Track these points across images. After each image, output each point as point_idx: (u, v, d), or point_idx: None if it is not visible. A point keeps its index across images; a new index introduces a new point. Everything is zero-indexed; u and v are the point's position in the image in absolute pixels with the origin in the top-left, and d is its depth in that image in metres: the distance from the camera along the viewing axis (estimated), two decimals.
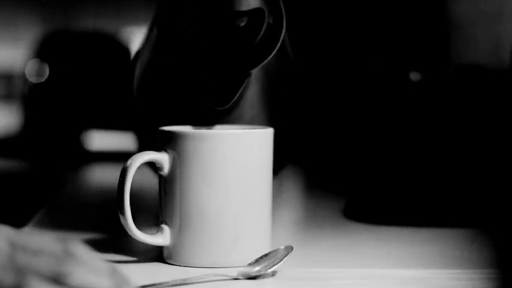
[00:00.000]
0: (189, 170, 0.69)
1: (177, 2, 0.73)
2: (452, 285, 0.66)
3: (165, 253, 0.71)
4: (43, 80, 1.66)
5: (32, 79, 1.67)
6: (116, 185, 0.69)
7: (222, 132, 0.71)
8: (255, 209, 0.70)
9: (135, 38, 1.71)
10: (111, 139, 1.55)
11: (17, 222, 0.93)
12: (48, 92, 1.65)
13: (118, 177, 0.69)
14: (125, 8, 2.20)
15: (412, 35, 1.30)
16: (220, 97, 0.73)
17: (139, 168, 0.69)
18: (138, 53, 0.89)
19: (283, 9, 0.72)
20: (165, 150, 0.70)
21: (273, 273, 0.67)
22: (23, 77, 1.71)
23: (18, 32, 2.26)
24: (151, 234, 0.71)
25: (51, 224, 0.91)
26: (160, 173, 0.71)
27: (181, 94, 0.79)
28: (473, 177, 0.98)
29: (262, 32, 0.71)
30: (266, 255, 0.68)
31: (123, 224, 0.69)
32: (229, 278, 0.66)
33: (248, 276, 0.66)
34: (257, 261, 0.68)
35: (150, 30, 0.84)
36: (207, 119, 0.75)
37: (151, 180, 0.84)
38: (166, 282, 0.63)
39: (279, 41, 0.72)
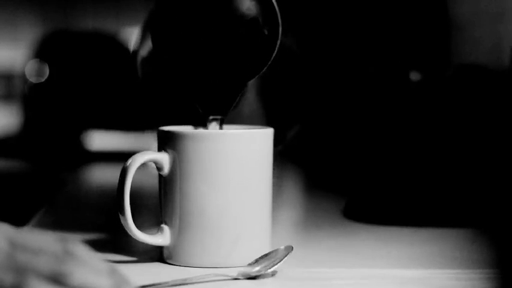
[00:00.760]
0: (189, 170, 0.69)
1: (171, 12, 0.73)
2: (452, 285, 0.66)
3: (165, 253, 0.71)
4: (43, 80, 1.66)
5: (32, 79, 1.67)
6: (116, 185, 0.69)
7: (222, 132, 0.71)
8: (255, 209, 0.70)
9: (135, 38, 1.71)
10: (111, 139, 1.55)
11: (17, 222, 0.93)
12: (48, 92, 1.65)
13: (118, 177, 0.69)
14: (125, 8, 2.20)
15: (412, 35, 1.30)
16: (217, 107, 0.73)
17: (139, 168, 0.69)
18: (135, 53, 0.89)
19: (279, 20, 0.72)
20: (165, 150, 0.70)
21: (273, 273, 0.67)
22: (23, 77, 1.71)
23: (18, 32, 2.26)
24: (151, 234, 0.71)
25: (51, 224, 0.91)
26: (160, 173, 0.71)
27: (179, 100, 0.79)
28: (473, 177, 0.98)
29: (256, 43, 0.71)
30: (266, 255, 0.68)
31: (123, 224, 0.69)
32: (229, 278, 0.66)
33: (248, 276, 0.66)
34: (257, 261, 0.68)
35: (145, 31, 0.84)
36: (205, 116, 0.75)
37: (151, 180, 0.84)
38: (166, 282, 0.63)
39: (273, 52, 0.72)
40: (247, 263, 0.68)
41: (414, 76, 1.14)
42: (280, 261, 0.67)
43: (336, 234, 0.86)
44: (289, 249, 0.68)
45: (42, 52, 1.68)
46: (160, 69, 0.82)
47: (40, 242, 0.56)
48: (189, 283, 0.64)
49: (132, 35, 1.73)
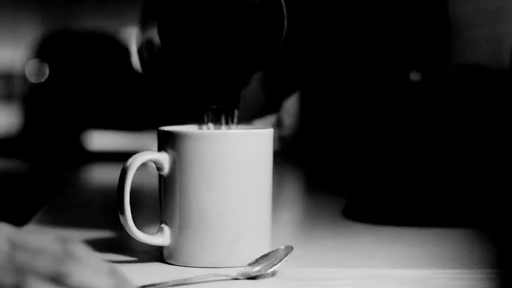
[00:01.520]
0: (189, 170, 0.69)
1: (176, 7, 0.73)
2: (452, 285, 0.66)
3: (165, 253, 0.71)
4: (43, 80, 1.66)
5: (32, 79, 1.67)
6: (116, 185, 0.69)
7: (222, 132, 0.71)
8: (255, 209, 0.70)
9: (135, 38, 1.71)
10: (111, 139, 1.55)
11: (18, 222, 0.93)
12: (48, 92, 1.65)
13: (118, 177, 0.69)
14: (125, 8, 2.20)
15: (412, 35, 1.30)
16: (222, 100, 0.73)
17: (139, 168, 0.69)
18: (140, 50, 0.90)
19: (285, 14, 0.72)
20: (165, 150, 0.70)
21: (273, 273, 0.67)
22: (23, 77, 1.71)
23: (18, 32, 2.26)
24: (151, 234, 0.71)
25: (51, 224, 0.91)
26: (160, 173, 0.71)
27: (184, 93, 0.79)
28: (473, 177, 0.98)
29: (261, 38, 0.71)
30: (266, 255, 0.68)
31: (123, 224, 0.69)
32: (229, 278, 0.66)
33: (248, 276, 0.66)
34: (257, 261, 0.68)
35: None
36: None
37: (151, 180, 0.84)
38: (166, 282, 0.63)
39: (278, 47, 0.72)
40: (247, 263, 0.68)
41: (414, 76, 1.14)
42: (280, 261, 0.67)
43: (336, 234, 0.86)
44: (289, 249, 0.68)
45: (42, 52, 1.68)
46: (165, 62, 0.82)
47: (40, 242, 0.56)
48: (189, 283, 0.64)
49: (132, 35, 1.73)
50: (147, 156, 0.70)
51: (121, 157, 0.79)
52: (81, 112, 1.62)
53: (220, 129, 0.73)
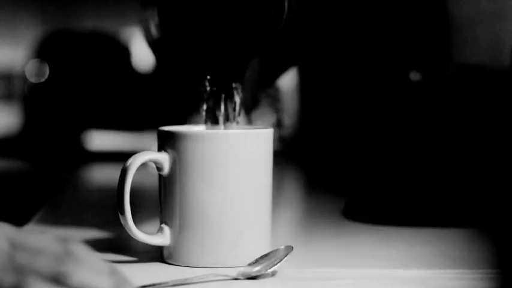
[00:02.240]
0: (189, 170, 0.69)
1: None
2: (452, 285, 0.66)
3: (165, 253, 0.71)
4: (43, 80, 1.66)
5: (32, 79, 1.67)
6: (116, 185, 0.69)
7: (222, 132, 0.71)
8: (255, 209, 0.70)
9: (135, 38, 1.71)
10: (111, 139, 1.55)
11: (17, 222, 0.93)
12: (48, 92, 1.65)
13: (118, 177, 0.69)
14: (125, 8, 2.20)
15: (412, 35, 1.30)
16: (225, 79, 0.72)
17: (139, 168, 0.69)
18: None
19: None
20: (165, 150, 0.70)
21: (273, 273, 0.67)
22: (23, 77, 1.71)
23: (18, 32, 2.26)
24: (151, 234, 0.71)
25: (51, 224, 0.91)
26: (160, 173, 0.71)
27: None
28: (473, 177, 0.98)
29: (262, 21, 0.71)
30: (266, 255, 0.68)
31: (123, 224, 0.69)
32: (229, 278, 0.66)
33: (248, 276, 0.66)
34: (257, 261, 0.68)
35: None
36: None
37: (151, 180, 0.84)
38: (166, 282, 0.63)
39: (278, 31, 0.72)
40: (247, 263, 0.68)
41: (414, 76, 1.14)
42: (280, 261, 0.67)
43: (336, 234, 0.86)
44: (289, 249, 0.68)
45: (42, 52, 1.68)
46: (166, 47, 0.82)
47: (40, 242, 0.56)
48: (189, 283, 0.64)
49: (132, 35, 1.73)
50: (147, 156, 0.70)
51: (121, 157, 0.79)
52: (81, 112, 1.62)
53: (221, 115, 0.72)
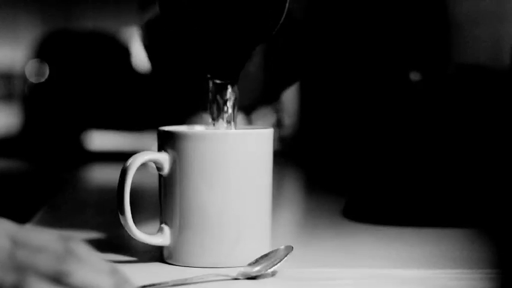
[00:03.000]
0: (189, 170, 0.69)
1: None
2: (452, 285, 0.66)
3: (165, 253, 0.71)
4: (43, 80, 1.66)
5: (32, 79, 1.67)
6: (116, 185, 0.69)
7: (222, 132, 0.71)
8: (255, 209, 0.70)
9: (135, 38, 1.71)
10: (111, 139, 1.55)
11: (18, 222, 0.93)
12: (48, 92, 1.65)
13: (118, 177, 0.69)
14: (125, 8, 2.20)
15: (412, 35, 1.30)
16: (225, 72, 0.72)
17: (139, 168, 0.69)
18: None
19: None
20: (165, 150, 0.70)
21: (273, 273, 0.67)
22: (23, 77, 1.71)
23: (18, 32, 2.26)
24: (151, 234, 0.71)
25: (51, 224, 0.91)
26: (160, 173, 0.71)
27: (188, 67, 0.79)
28: (473, 177, 0.98)
29: (264, 9, 0.70)
30: (266, 255, 0.68)
31: (123, 224, 0.69)
32: (229, 278, 0.66)
33: (248, 276, 0.66)
34: (257, 261, 0.68)
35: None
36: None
37: (151, 180, 0.84)
38: (166, 282, 0.63)
39: (280, 18, 0.72)
40: (247, 263, 0.68)
41: (414, 76, 1.14)
42: (280, 261, 0.67)
43: (336, 234, 0.86)
44: (289, 249, 0.68)
45: (42, 52, 1.68)
46: (168, 37, 0.82)
47: (41, 240, 0.56)
48: (189, 283, 0.64)
49: (132, 35, 1.73)
50: (147, 156, 0.70)
51: (121, 157, 0.79)
52: (81, 112, 1.62)
53: (223, 107, 0.72)
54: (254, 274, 0.66)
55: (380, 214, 0.91)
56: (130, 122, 1.59)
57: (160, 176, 0.71)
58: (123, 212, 0.68)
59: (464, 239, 0.83)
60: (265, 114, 1.55)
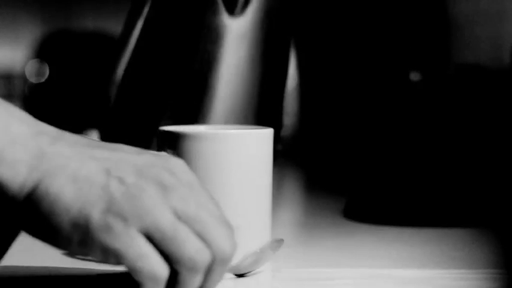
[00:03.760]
0: None
1: None
2: (453, 285, 0.66)
3: None
4: (43, 80, 1.66)
5: (32, 79, 1.67)
6: None
7: (222, 133, 0.71)
8: (255, 208, 0.70)
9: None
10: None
11: None
12: (48, 92, 1.65)
13: None
14: (125, 8, 2.20)
15: (412, 36, 1.30)
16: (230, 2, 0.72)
17: None
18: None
19: None
20: (165, 150, 0.70)
21: (263, 269, 0.67)
22: (23, 77, 1.71)
23: (18, 32, 2.26)
24: None
25: None
26: None
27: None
28: (473, 177, 0.98)
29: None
30: (256, 251, 0.68)
31: None
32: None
33: (238, 273, 0.66)
34: (247, 258, 0.68)
35: None
36: None
37: None
38: None
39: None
40: (237, 260, 0.68)
41: (414, 76, 1.14)
42: (270, 258, 0.67)
43: (336, 234, 0.86)
44: (280, 242, 0.67)
45: (42, 52, 1.68)
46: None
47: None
48: None
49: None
50: None
51: None
52: (81, 112, 1.62)
53: None
54: (243, 271, 0.66)
55: (380, 214, 0.91)
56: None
57: None
58: None
59: (465, 239, 0.83)
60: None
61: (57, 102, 1.64)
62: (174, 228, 0.53)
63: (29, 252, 0.75)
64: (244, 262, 0.67)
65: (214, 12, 0.79)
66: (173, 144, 0.70)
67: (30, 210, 0.52)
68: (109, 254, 0.52)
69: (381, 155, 1.15)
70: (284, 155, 1.46)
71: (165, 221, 0.53)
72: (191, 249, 0.53)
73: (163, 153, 0.59)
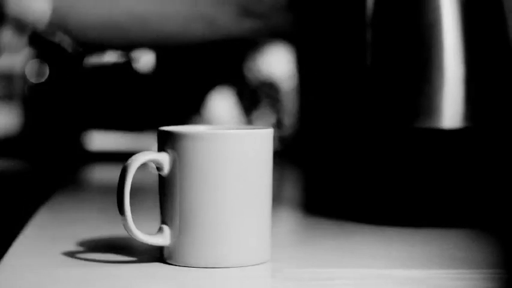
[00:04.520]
0: (189, 170, 0.69)
1: None
2: (453, 285, 0.66)
3: (165, 253, 0.71)
4: (43, 80, 1.66)
5: (32, 79, 1.67)
6: (116, 185, 0.69)
7: (222, 133, 0.71)
8: (255, 209, 0.70)
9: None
10: (111, 139, 1.55)
11: (17, 222, 0.93)
12: (48, 92, 1.65)
13: (118, 177, 0.69)
14: None
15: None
16: None
17: (139, 168, 0.69)
18: None
19: None
20: (165, 150, 0.70)
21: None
22: (23, 77, 1.71)
23: None
24: (151, 234, 0.71)
25: (51, 224, 0.91)
26: (160, 173, 0.71)
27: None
28: (473, 177, 0.98)
29: None
30: None
31: (123, 224, 0.69)
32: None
33: None
34: None
35: None
36: None
37: (151, 180, 0.84)
38: None
39: None
40: None
41: None
42: None
43: (336, 234, 0.86)
44: None
45: (42, 52, 1.68)
46: None
47: None
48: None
49: None
50: (147, 156, 0.70)
51: (121, 157, 0.79)
52: (81, 112, 1.62)
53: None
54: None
55: (380, 214, 0.91)
56: (130, 122, 1.59)
57: (160, 176, 0.71)
58: (123, 212, 0.68)
59: (465, 239, 0.83)
60: (265, 114, 1.55)
61: (57, 102, 1.63)
62: None
63: (29, 252, 0.75)
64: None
65: None
66: (173, 144, 0.70)
67: None
68: None
69: (380, 155, 1.15)
70: (284, 155, 1.46)
71: None
72: None
73: None
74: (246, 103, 1.55)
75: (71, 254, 0.73)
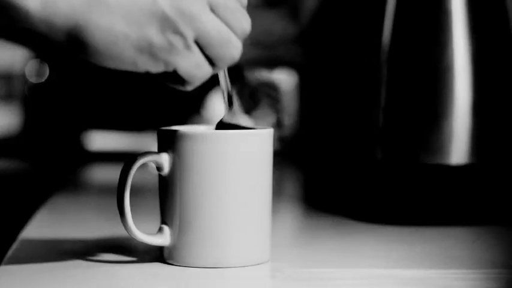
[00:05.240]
0: (189, 170, 0.69)
1: None
2: (452, 285, 0.66)
3: (165, 253, 0.71)
4: (43, 80, 1.66)
5: (32, 79, 1.67)
6: (116, 185, 0.69)
7: (222, 133, 0.71)
8: (255, 208, 0.70)
9: None
10: (111, 139, 1.55)
11: (17, 222, 0.93)
12: (48, 92, 1.65)
13: (118, 177, 0.69)
14: None
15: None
16: None
17: (139, 168, 0.69)
18: None
19: None
20: (165, 150, 0.70)
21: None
22: (23, 77, 1.71)
23: None
24: (151, 234, 0.71)
25: (51, 224, 0.91)
26: (160, 173, 0.71)
27: None
28: (473, 177, 0.98)
29: None
30: None
31: (123, 224, 0.69)
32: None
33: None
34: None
35: None
36: None
37: (151, 180, 0.84)
38: None
39: None
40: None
41: None
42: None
43: (336, 234, 0.86)
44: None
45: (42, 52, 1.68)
46: None
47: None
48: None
49: None
50: (147, 156, 0.70)
51: (121, 157, 0.79)
52: (81, 112, 1.62)
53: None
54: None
55: (380, 214, 0.91)
56: (130, 122, 1.59)
57: (160, 176, 0.71)
58: (123, 212, 0.68)
59: (465, 239, 0.83)
60: (265, 114, 1.55)
61: (57, 102, 1.63)
62: (218, 31, 0.60)
63: (29, 252, 0.75)
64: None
65: None
66: (173, 144, 0.70)
67: (81, 43, 0.59)
68: (169, 66, 0.61)
69: (380, 155, 1.15)
70: (284, 155, 1.46)
71: (210, 25, 0.60)
72: (233, 50, 0.61)
73: None
74: (246, 103, 1.55)
75: (71, 254, 0.73)
